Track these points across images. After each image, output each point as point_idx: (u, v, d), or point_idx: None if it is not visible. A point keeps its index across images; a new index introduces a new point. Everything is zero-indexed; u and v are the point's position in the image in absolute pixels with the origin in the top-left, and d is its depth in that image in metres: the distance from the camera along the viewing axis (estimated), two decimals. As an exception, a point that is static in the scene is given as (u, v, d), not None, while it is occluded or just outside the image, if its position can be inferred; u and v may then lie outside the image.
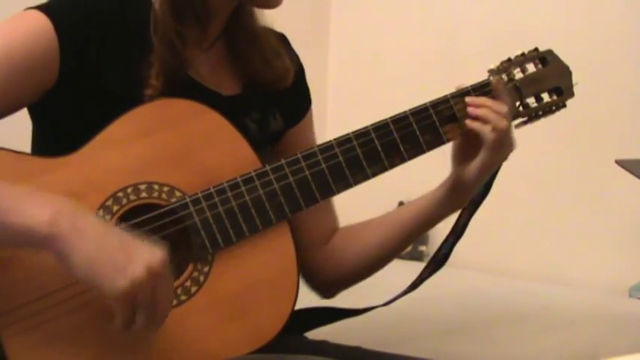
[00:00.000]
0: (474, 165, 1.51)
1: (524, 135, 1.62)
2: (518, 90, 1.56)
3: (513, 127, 1.54)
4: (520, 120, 1.58)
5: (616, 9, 2.72)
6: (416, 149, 1.50)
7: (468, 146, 1.52)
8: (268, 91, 1.54)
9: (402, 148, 1.49)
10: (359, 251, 1.63)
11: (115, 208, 1.37)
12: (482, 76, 1.57)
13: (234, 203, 1.41)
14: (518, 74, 1.57)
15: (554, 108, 1.60)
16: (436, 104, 1.52)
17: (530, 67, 1.59)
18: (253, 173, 1.43)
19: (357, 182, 1.48)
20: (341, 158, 1.47)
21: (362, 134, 1.48)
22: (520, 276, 2.72)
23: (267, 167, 1.44)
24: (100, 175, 1.38)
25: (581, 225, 2.78)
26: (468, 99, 1.51)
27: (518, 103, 1.56)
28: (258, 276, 1.42)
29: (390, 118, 1.50)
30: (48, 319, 1.32)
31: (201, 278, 1.39)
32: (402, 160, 1.50)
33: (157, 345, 1.36)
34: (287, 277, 1.43)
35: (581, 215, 2.78)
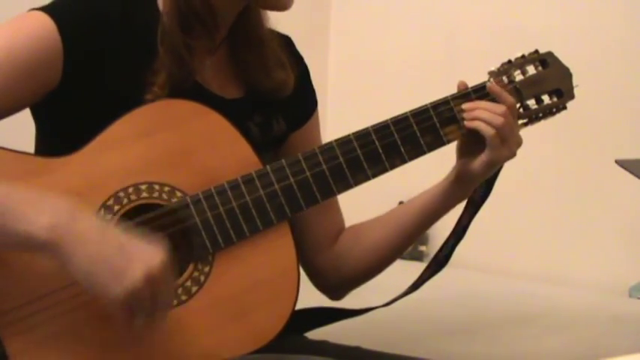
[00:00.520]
0: (480, 160, 1.51)
1: (524, 136, 1.63)
2: (519, 92, 1.56)
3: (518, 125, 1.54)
4: (520, 122, 1.58)
5: (616, 9, 2.71)
6: (416, 150, 1.50)
7: (473, 141, 1.52)
8: (269, 98, 1.54)
9: (402, 150, 1.49)
10: (367, 250, 1.63)
11: (116, 207, 1.38)
12: (482, 76, 1.57)
13: (234, 203, 1.41)
14: (518, 76, 1.57)
15: (554, 110, 1.60)
16: (437, 105, 1.52)
17: (531, 69, 1.58)
18: (254, 174, 1.43)
19: (357, 183, 1.48)
20: (341, 159, 1.47)
21: (362, 135, 1.48)
22: (520, 276, 2.72)
23: (268, 168, 1.44)
24: (101, 175, 1.38)
25: (581, 225, 2.78)
26: (464, 106, 1.52)
27: (518, 105, 1.56)
28: (259, 276, 1.42)
29: (391, 119, 1.50)
30: (48, 318, 1.32)
31: (202, 278, 1.39)
32: (403, 162, 1.50)
33: (157, 345, 1.36)
34: (287, 277, 1.43)
35: (581, 215, 2.78)
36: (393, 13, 3.10)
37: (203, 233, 1.40)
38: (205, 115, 1.43)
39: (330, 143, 1.47)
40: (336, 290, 1.67)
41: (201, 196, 1.40)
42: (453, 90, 1.54)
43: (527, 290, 2.51)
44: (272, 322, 1.41)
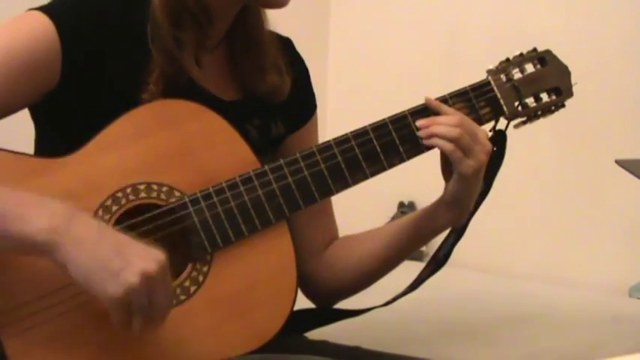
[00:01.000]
0: (452, 179, 1.50)
1: (524, 135, 1.63)
2: (517, 90, 1.56)
3: (486, 132, 1.51)
4: (519, 120, 1.58)
5: (616, 9, 2.71)
6: (415, 149, 1.50)
7: (447, 159, 1.51)
8: (264, 102, 1.54)
9: (400, 149, 1.49)
10: (355, 262, 1.62)
11: (114, 208, 1.37)
12: (482, 76, 1.57)
13: (233, 203, 1.41)
14: (516, 74, 1.57)
15: (553, 108, 1.60)
16: (435, 104, 1.52)
17: (529, 67, 1.58)
18: (252, 173, 1.43)
19: (355, 182, 1.48)
20: (340, 158, 1.47)
21: (360, 134, 1.48)
22: (520, 276, 2.72)
23: (266, 167, 1.44)
24: (99, 176, 1.38)
25: (581, 225, 2.78)
26: (418, 123, 1.49)
27: (517, 103, 1.56)
28: (257, 276, 1.42)
29: (389, 118, 1.50)
30: (48, 318, 1.32)
31: (200, 278, 1.39)
32: (401, 160, 1.50)
33: (156, 345, 1.36)
34: (286, 276, 1.43)
35: (581, 215, 2.78)
36: (392, 13, 3.10)
37: (201, 233, 1.40)
38: (203, 115, 1.43)
39: (328, 142, 1.47)
40: (323, 299, 1.66)
41: (199, 195, 1.40)
42: (452, 88, 1.54)
43: (526, 290, 2.51)
44: (271, 321, 1.41)
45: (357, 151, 1.47)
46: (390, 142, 1.49)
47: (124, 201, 1.38)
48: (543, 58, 1.60)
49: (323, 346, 1.58)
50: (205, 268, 1.40)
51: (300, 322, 1.53)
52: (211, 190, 1.40)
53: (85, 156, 1.38)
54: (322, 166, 1.46)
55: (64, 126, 1.45)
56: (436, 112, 1.50)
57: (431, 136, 1.48)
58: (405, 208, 2.93)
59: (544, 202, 2.84)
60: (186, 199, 1.40)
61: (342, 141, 1.47)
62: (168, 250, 1.30)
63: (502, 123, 1.59)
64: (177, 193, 1.40)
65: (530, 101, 1.58)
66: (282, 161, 1.45)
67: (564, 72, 1.60)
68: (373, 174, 1.48)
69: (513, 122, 1.59)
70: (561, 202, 2.81)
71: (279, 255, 1.43)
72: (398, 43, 3.10)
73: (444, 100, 1.52)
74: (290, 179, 1.44)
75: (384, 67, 3.13)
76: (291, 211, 1.44)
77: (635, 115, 2.68)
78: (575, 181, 2.78)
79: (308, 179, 1.45)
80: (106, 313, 1.30)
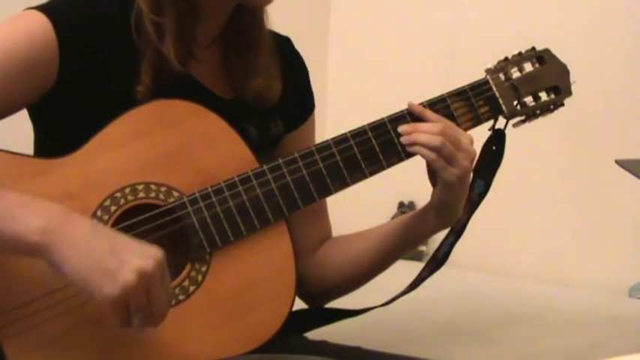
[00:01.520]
0: (438, 185, 1.49)
1: (524, 135, 1.63)
2: (516, 89, 1.56)
3: (472, 132, 1.52)
4: (518, 119, 1.58)
5: (616, 9, 2.71)
6: (413, 148, 1.50)
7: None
8: (253, 104, 1.53)
9: (399, 148, 1.49)
10: (346, 262, 1.62)
11: (113, 208, 1.37)
12: (480, 76, 1.57)
13: (231, 203, 1.41)
14: (515, 73, 1.57)
15: (552, 107, 1.60)
16: (433, 103, 1.51)
17: (528, 66, 1.58)
18: (251, 173, 1.43)
19: (354, 181, 1.48)
20: (338, 157, 1.47)
21: (359, 134, 1.48)
22: (520, 276, 2.72)
23: (265, 167, 1.44)
24: (98, 176, 1.38)
25: (581, 225, 2.78)
26: (400, 129, 1.49)
27: (515, 102, 1.56)
28: (256, 275, 1.42)
29: (387, 117, 1.50)
30: (47, 319, 1.32)
31: (199, 278, 1.39)
32: (400, 160, 1.50)
33: (155, 345, 1.36)
34: (285, 276, 1.43)
35: (581, 215, 2.78)
36: (392, 13, 3.10)
37: (200, 233, 1.40)
38: (202, 115, 1.43)
39: (326, 142, 1.47)
40: (315, 298, 1.66)
41: (198, 195, 1.40)
42: (451, 88, 1.54)
43: (526, 290, 2.51)
44: (270, 321, 1.41)
45: (355, 150, 1.47)
46: (388, 141, 1.49)
47: (122, 201, 1.38)
48: (542, 57, 1.60)
49: (323, 346, 1.58)
50: (204, 268, 1.40)
51: (299, 322, 1.53)
52: (210, 190, 1.40)
53: (84, 156, 1.38)
54: (321, 165, 1.46)
55: (62, 126, 1.45)
56: (446, 113, 1.51)
57: (413, 143, 1.48)
58: (405, 208, 2.93)
59: (544, 202, 2.84)
60: (185, 199, 1.40)
61: (340, 140, 1.47)
62: (167, 250, 1.30)
63: (501, 122, 1.59)
64: (175, 193, 1.40)
65: (529, 100, 1.58)
66: (280, 161, 1.44)
67: (563, 71, 1.60)
68: (372, 173, 1.48)
69: (512, 121, 1.59)
70: (561, 202, 2.81)
71: (278, 255, 1.43)
72: (397, 42, 3.10)
73: (442, 99, 1.52)
74: (289, 179, 1.44)
75: (383, 67, 3.12)
76: (290, 211, 1.44)
77: (635, 115, 2.68)
78: (575, 181, 2.78)
79: (307, 179, 1.45)
80: (104, 313, 1.30)
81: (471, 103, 1.53)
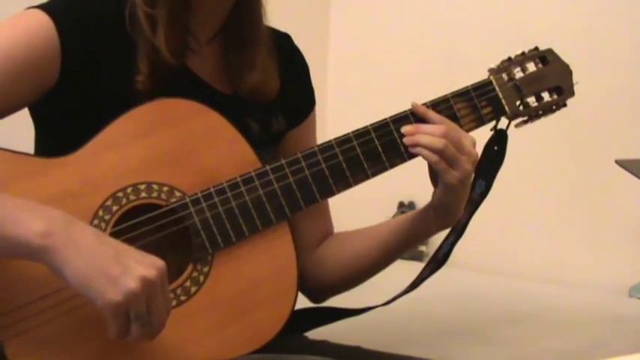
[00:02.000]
0: (439, 187, 1.49)
1: (524, 135, 1.62)
2: (519, 89, 1.56)
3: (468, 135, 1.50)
4: (520, 119, 1.58)
5: (616, 9, 2.72)
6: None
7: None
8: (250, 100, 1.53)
9: (402, 149, 1.49)
10: (346, 259, 1.62)
11: (115, 208, 1.37)
12: (482, 75, 1.57)
13: (233, 203, 1.41)
14: (518, 73, 1.57)
15: (554, 107, 1.60)
16: (436, 104, 1.51)
17: (531, 67, 1.58)
18: (253, 173, 1.42)
19: (357, 182, 1.48)
20: (341, 158, 1.47)
21: (362, 134, 1.48)
22: (520, 276, 2.72)
23: (267, 167, 1.43)
24: (100, 175, 1.38)
25: (581, 225, 2.78)
26: (403, 129, 1.49)
27: (518, 102, 1.56)
28: (258, 276, 1.41)
29: (390, 117, 1.49)
30: (48, 320, 1.31)
31: (201, 278, 1.39)
32: (402, 160, 1.49)
33: (157, 346, 1.35)
34: (287, 277, 1.42)
35: (581, 215, 2.78)
36: (393, 13, 3.10)
37: (202, 233, 1.39)
38: (204, 114, 1.42)
39: (329, 142, 1.47)
40: (316, 294, 1.67)
41: (200, 195, 1.40)
42: (453, 88, 1.53)
43: (526, 290, 2.51)
44: (272, 321, 1.41)
45: (358, 150, 1.47)
46: (391, 141, 1.49)
47: (124, 201, 1.37)
48: (545, 57, 1.59)
49: (323, 346, 1.58)
50: (206, 269, 1.39)
51: (300, 321, 1.53)
52: (212, 190, 1.40)
53: (86, 155, 1.38)
54: (323, 165, 1.46)
55: (63, 125, 1.45)
56: (449, 114, 1.50)
57: (415, 145, 1.47)
58: (404, 208, 2.93)
59: (544, 202, 2.84)
60: (187, 199, 1.39)
61: (343, 141, 1.47)
62: (169, 250, 1.30)
63: (503, 122, 1.58)
64: (177, 193, 1.39)
65: (531, 100, 1.58)
66: (283, 161, 1.44)
67: (566, 71, 1.60)
68: (375, 174, 1.48)
69: (514, 122, 1.59)
70: (561, 202, 2.81)
71: (280, 255, 1.43)
72: (398, 42, 3.10)
73: (445, 99, 1.52)
74: (291, 179, 1.44)
75: (384, 66, 3.13)
76: (293, 212, 1.44)
77: (635, 115, 2.68)
78: (576, 181, 2.78)
79: (309, 179, 1.45)
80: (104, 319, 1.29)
81: (474, 103, 1.53)
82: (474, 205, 1.61)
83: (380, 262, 1.62)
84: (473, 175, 1.50)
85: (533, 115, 1.58)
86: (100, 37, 1.42)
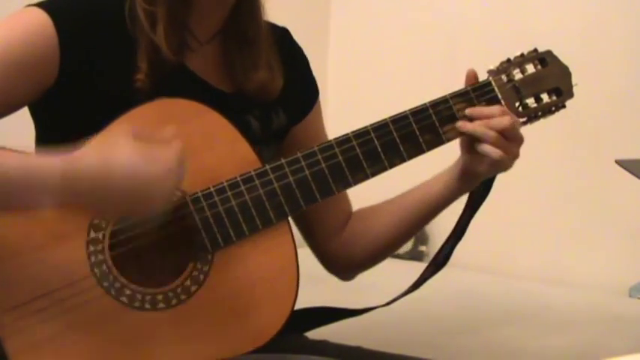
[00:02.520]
0: (486, 161, 1.51)
1: (524, 135, 1.62)
2: (518, 91, 1.56)
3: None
4: (520, 120, 1.58)
5: (616, 9, 2.71)
6: (415, 149, 1.50)
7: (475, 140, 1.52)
8: (254, 98, 1.53)
9: (401, 148, 1.49)
10: (374, 237, 1.65)
11: (116, 207, 1.37)
12: (482, 75, 1.57)
13: (234, 202, 1.41)
14: (517, 75, 1.57)
15: (553, 109, 1.60)
16: (436, 104, 1.51)
17: (530, 68, 1.58)
18: (253, 172, 1.43)
19: (356, 182, 1.48)
20: (340, 158, 1.47)
21: (361, 134, 1.48)
22: (520, 276, 2.72)
23: (267, 167, 1.44)
24: (100, 175, 1.38)
25: (581, 225, 2.78)
26: (468, 111, 1.51)
27: (517, 104, 1.56)
28: (258, 275, 1.42)
29: (390, 118, 1.50)
30: (49, 317, 1.32)
31: (201, 277, 1.39)
32: (402, 160, 1.50)
33: (157, 344, 1.36)
34: (287, 276, 1.43)
35: (581, 215, 2.78)
36: (393, 13, 3.10)
37: (202, 232, 1.40)
38: (204, 114, 1.43)
39: (329, 142, 1.47)
40: (346, 272, 1.70)
41: (200, 195, 1.40)
42: (452, 89, 1.54)
43: (527, 290, 2.51)
44: (272, 321, 1.41)
45: (358, 150, 1.47)
46: (391, 141, 1.49)
47: (125, 200, 1.38)
48: (544, 59, 1.59)
49: (323, 346, 1.58)
50: (206, 268, 1.40)
51: (300, 321, 1.53)
52: (212, 189, 1.40)
53: (87, 155, 1.38)
54: (323, 165, 1.46)
55: (63, 123, 1.45)
56: (446, 114, 1.52)
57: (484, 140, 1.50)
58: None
59: (544, 202, 2.84)
60: (187, 199, 1.39)
61: (343, 140, 1.47)
62: (170, 249, 1.30)
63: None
64: (178, 193, 1.40)
65: (530, 102, 1.58)
66: (283, 160, 1.44)
67: (565, 73, 1.60)
68: (374, 174, 1.48)
69: (515, 123, 1.59)
70: (561, 202, 2.81)
71: (280, 255, 1.43)
72: (398, 43, 3.10)
73: (444, 100, 1.52)
74: (291, 178, 1.44)
75: (384, 66, 3.12)
76: (292, 211, 1.44)
77: (635, 115, 2.68)
78: (576, 181, 2.78)
79: (309, 178, 1.45)
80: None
81: (473, 104, 1.53)
82: (474, 206, 1.62)
83: (406, 235, 1.66)
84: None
85: (532, 116, 1.58)
86: (99, 36, 1.42)
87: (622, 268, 2.66)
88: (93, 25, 1.42)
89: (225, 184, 1.41)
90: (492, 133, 1.49)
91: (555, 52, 1.61)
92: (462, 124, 1.51)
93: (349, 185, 1.48)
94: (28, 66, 1.39)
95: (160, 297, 1.37)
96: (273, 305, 1.41)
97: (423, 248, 2.86)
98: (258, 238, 1.42)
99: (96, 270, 1.35)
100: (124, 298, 1.35)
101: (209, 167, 1.42)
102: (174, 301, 1.37)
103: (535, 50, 1.60)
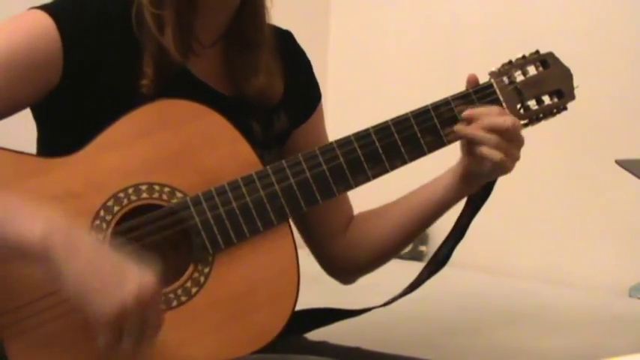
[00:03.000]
0: (487, 164, 1.51)
1: (525, 136, 1.62)
2: (519, 92, 1.56)
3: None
4: (521, 122, 1.58)
5: (616, 9, 2.72)
6: (417, 151, 1.50)
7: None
8: (254, 103, 1.53)
9: (402, 150, 1.49)
10: (377, 240, 1.64)
11: (116, 208, 1.37)
12: (482, 76, 1.57)
13: (234, 204, 1.41)
14: (519, 77, 1.57)
15: (555, 111, 1.60)
16: (437, 106, 1.51)
17: (531, 70, 1.58)
18: (254, 174, 1.43)
19: (357, 184, 1.48)
20: (342, 160, 1.47)
21: (363, 136, 1.48)
22: (520, 276, 2.73)
23: (268, 168, 1.44)
24: (101, 176, 1.38)
25: (581, 225, 2.78)
26: (466, 113, 1.50)
27: (519, 106, 1.56)
28: (259, 277, 1.41)
29: (391, 120, 1.50)
30: (49, 319, 1.32)
31: (202, 279, 1.39)
32: (403, 162, 1.50)
33: (158, 346, 1.35)
34: (287, 278, 1.43)
35: (581, 215, 2.78)
36: (393, 13, 3.10)
37: (203, 234, 1.39)
38: (205, 115, 1.43)
39: (330, 144, 1.47)
40: (347, 276, 1.70)
41: (201, 196, 1.40)
42: (453, 90, 1.54)
43: (526, 290, 2.51)
44: (272, 322, 1.41)
45: (359, 152, 1.47)
46: (392, 143, 1.49)
47: (125, 201, 1.38)
48: (545, 61, 1.59)
49: (323, 347, 1.58)
50: (207, 269, 1.40)
51: (300, 322, 1.53)
52: (213, 191, 1.40)
53: (87, 156, 1.38)
54: (324, 167, 1.46)
55: (65, 125, 1.45)
56: (447, 116, 1.51)
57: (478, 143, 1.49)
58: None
59: (544, 202, 2.84)
60: (188, 200, 1.39)
61: (344, 142, 1.47)
62: (170, 250, 1.30)
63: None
64: (179, 194, 1.40)
65: (532, 104, 1.58)
66: (284, 162, 1.44)
67: (566, 74, 1.60)
68: (375, 176, 1.48)
69: (516, 124, 1.59)
70: (561, 202, 2.81)
71: (280, 256, 1.43)
72: (398, 43, 3.10)
73: (446, 102, 1.52)
74: (292, 180, 1.44)
75: (384, 67, 3.12)
76: (293, 213, 1.44)
77: (635, 115, 2.68)
78: (576, 181, 2.78)
79: (310, 180, 1.45)
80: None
81: (474, 106, 1.53)
82: (474, 207, 1.62)
83: (409, 238, 1.65)
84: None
85: (533, 118, 1.58)
86: (103, 38, 1.42)
87: (622, 268, 2.67)
88: (97, 28, 1.42)
89: (226, 185, 1.41)
90: (492, 136, 1.48)
91: (556, 54, 1.60)
92: (461, 128, 1.51)
93: (350, 187, 1.48)
94: (31, 68, 1.39)
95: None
96: (273, 307, 1.41)
97: (423, 248, 2.87)
98: (258, 240, 1.42)
99: (97, 271, 1.34)
100: (124, 299, 1.35)
101: (210, 168, 1.41)
102: (174, 303, 1.37)
103: (537, 52, 1.60)
